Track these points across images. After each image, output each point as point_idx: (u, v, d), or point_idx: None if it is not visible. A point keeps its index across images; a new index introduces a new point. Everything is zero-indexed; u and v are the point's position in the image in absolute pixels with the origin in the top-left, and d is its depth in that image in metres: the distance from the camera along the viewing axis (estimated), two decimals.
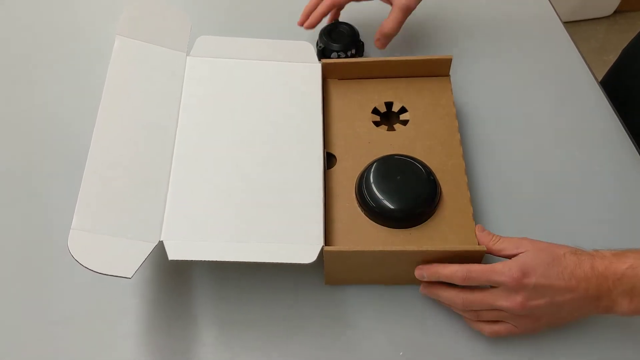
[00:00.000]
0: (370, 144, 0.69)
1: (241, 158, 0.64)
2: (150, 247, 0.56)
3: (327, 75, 0.74)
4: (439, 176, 0.65)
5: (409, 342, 0.61)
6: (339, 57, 0.78)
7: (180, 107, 0.66)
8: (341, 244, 0.61)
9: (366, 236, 0.62)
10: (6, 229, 0.70)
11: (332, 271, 0.62)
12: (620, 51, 0.94)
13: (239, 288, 0.64)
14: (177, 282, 0.65)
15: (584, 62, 0.83)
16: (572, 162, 0.73)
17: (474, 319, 0.59)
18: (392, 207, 0.62)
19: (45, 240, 0.68)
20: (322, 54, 0.79)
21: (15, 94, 0.82)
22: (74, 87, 0.82)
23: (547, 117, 0.77)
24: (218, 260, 0.56)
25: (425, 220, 0.63)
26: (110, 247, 0.55)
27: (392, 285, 0.64)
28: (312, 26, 0.78)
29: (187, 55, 0.71)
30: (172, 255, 0.56)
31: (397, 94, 0.72)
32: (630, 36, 0.94)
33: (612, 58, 0.96)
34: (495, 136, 0.76)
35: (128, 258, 0.54)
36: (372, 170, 0.64)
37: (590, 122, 0.77)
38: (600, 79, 0.91)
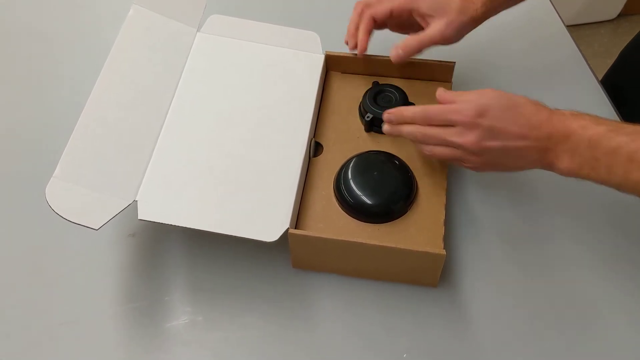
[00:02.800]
0: (359, 139, 0.70)
1: (228, 135, 0.66)
2: (123, 204, 0.59)
3: (330, 68, 0.75)
4: (421, 179, 0.66)
5: (368, 334, 0.62)
6: None
7: (180, 79, 0.69)
8: (309, 230, 0.63)
9: (336, 226, 0.63)
10: (11, 228, 0.72)
11: (297, 254, 0.64)
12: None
13: (213, 260, 0.67)
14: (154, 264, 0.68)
15: (587, 65, 0.83)
16: None
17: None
18: (364, 200, 0.63)
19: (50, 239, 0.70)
20: (371, 123, 0.69)
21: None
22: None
23: None
24: (184, 226, 0.58)
25: (396, 218, 0.64)
26: (86, 200, 0.58)
27: (356, 279, 0.66)
28: (364, 51, 0.69)
29: (197, 32, 0.73)
30: (141, 215, 0.59)
31: None
32: None
33: None
34: None
35: (100, 211, 0.57)
36: (352, 163, 0.66)
37: None
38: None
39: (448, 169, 0.68)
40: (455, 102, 0.57)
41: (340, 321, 0.63)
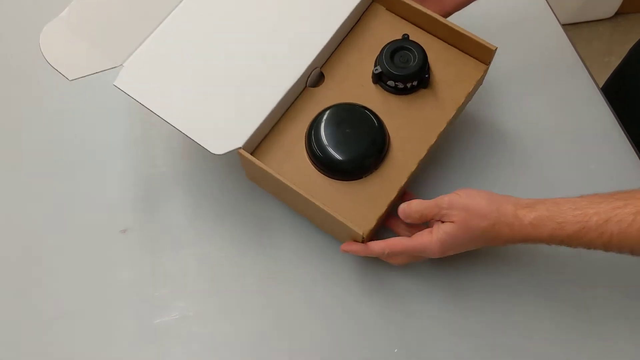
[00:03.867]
0: (363, 87, 0.67)
1: (234, 38, 0.66)
2: (107, 65, 0.62)
3: (377, 0, 0.71)
4: (402, 144, 0.64)
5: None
6: (395, 87, 0.66)
7: None
8: (265, 156, 0.64)
9: (292, 164, 0.64)
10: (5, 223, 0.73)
11: (249, 171, 0.66)
12: (621, 53, 0.92)
13: (205, 258, 0.70)
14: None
15: (584, 67, 0.80)
16: (571, 166, 0.73)
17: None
18: (326, 153, 0.62)
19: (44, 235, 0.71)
20: (378, 77, 0.67)
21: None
22: None
23: (546, 122, 0.76)
24: (147, 107, 0.61)
25: (356, 179, 0.63)
26: (74, 50, 0.62)
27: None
28: None
29: None
30: (117, 83, 0.62)
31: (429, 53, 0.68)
32: (632, 37, 0.90)
33: (613, 60, 0.96)
34: (492, 138, 0.73)
35: (81, 65, 0.61)
36: (328, 114, 0.64)
37: (589, 127, 0.76)
38: (603, 82, 0.92)
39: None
40: (422, 245, 0.59)
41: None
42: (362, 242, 0.61)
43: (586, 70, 0.80)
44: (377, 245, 0.61)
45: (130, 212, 0.71)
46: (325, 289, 0.66)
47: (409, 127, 0.65)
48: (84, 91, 0.77)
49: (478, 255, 0.67)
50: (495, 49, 0.65)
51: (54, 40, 0.61)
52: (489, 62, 0.67)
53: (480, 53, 0.67)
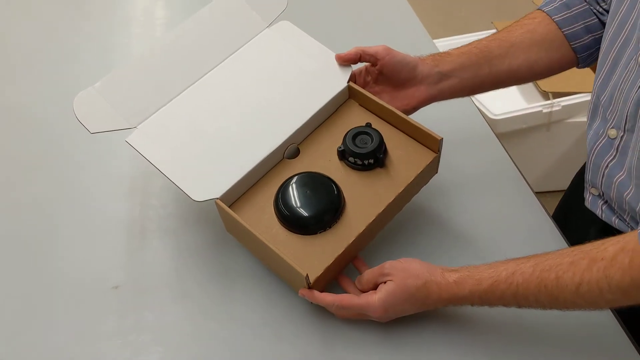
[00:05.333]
0: (330, 162, 0.80)
1: (228, 113, 0.81)
2: (124, 125, 0.78)
3: (351, 96, 0.86)
4: (354, 213, 0.75)
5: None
6: (355, 163, 0.79)
7: (229, 57, 0.85)
8: (239, 210, 0.76)
9: (262, 219, 0.75)
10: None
11: (226, 224, 0.78)
12: None
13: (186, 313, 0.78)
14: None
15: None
16: None
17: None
18: (285, 208, 0.75)
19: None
20: (342, 154, 0.79)
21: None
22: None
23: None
24: (148, 159, 0.76)
25: (312, 234, 0.74)
26: (99, 109, 0.78)
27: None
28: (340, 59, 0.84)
29: (266, 27, 0.88)
30: (129, 139, 0.77)
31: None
32: None
33: None
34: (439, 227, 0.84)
35: (103, 122, 0.77)
36: (296, 179, 0.77)
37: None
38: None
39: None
40: (367, 302, 0.71)
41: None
42: (309, 287, 0.71)
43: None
44: (328, 297, 0.72)
45: (121, 269, 0.81)
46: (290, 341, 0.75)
47: (363, 197, 0.77)
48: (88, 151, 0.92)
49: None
50: (441, 139, 0.78)
51: (85, 102, 0.78)
52: (438, 150, 0.79)
53: (430, 142, 0.79)
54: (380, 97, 0.83)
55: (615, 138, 0.76)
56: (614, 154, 0.76)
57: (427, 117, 0.84)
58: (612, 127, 0.76)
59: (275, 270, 0.78)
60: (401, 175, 0.78)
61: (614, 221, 0.80)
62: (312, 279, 0.70)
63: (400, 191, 0.77)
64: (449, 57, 0.84)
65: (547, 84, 1.76)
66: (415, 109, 0.86)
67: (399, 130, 0.82)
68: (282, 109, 0.82)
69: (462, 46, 0.85)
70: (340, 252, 0.72)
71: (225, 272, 0.81)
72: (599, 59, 0.79)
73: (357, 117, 0.84)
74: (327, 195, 0.76)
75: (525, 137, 1.74)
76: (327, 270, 0.72)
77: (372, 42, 0.85)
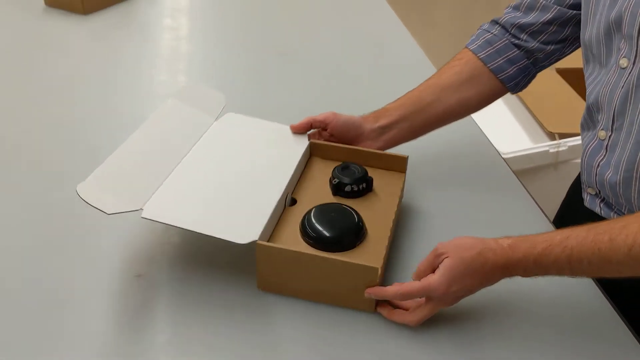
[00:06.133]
0: (327, 199, 0.88)
1: (224, 178, 0.86)
2: (135, 206, 0.76)
3: (313, 153, 0.96)
4: (370, 230, 0.83)
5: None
6: (351, 190, 0.88)
7: (196, 143, 0.91)
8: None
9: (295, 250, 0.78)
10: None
11: (263, 270, 0.78)
12: None
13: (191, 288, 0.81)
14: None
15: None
16: None
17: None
18: (319, 230, 0.80)
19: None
20: (337, 187, 0.88)
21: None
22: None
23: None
24: (174, 225, 0.75)
25: (347, 249, 0.79)
26: (109, 196, 0.76)
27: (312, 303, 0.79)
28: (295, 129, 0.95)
29: (214, 120, 0.97)
30: (146, 215, 0.76)
31: None
32: None
33: None
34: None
35: (114, 205, 0.75)
36: (316, 207, 0.84)
37: None
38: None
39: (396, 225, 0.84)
40: (428, 283, 0.72)
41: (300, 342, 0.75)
42: (377, 280, 0.74)
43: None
44: (392, 288, 0.73)
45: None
46: None
47: (370, 218, 0.85)
48: None
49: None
50: (407, 157, 0.92)
51: (89, 190, 0.76)
52: (405, 170, 0.93)
53: (398, 163, 0.93)
54: None
55: (604, 139, 0.83)
56: (604, 153, 0.83)
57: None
58: (602, 129, 0.83)
59: (328, 294, 0.78)
60: (389, 194, 0.90)
61: (613, 217, 0.86)
62: (379, 266, 0.74)
63: (397, 204, 0.87)
64: (387, 112, 0.95)
65: (553, 125, 1.80)
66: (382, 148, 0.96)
67: (368, 165, 0.94)
68: (266, 169, 0.89)
69: (398, 99, 0.97)
70: (383, 254, 0.78)
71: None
72: (586, 67, 0.87)
73: (325, 166, 0.95)
74: (350, 214, 0.83)
75: (533, 175, 1.76)
76: (383, 266, 0.76)
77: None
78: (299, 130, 0.95)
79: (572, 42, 0.93)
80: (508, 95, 1.02)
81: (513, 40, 0.94)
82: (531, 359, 0.73)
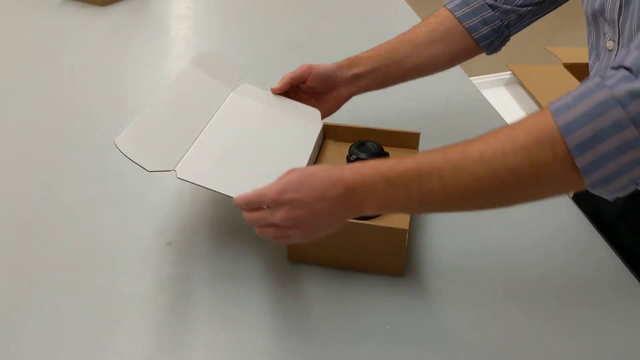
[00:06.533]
0: None
1: (249, 145, 0.88)
2: (168, 167, 0.78)
3: (326, 136, 0.99)
4: None
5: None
6: None
7: (218, 111, 0.92)
8: None
9: None
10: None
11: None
12: None
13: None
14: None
15: None
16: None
17: (260, 236, 0.71)
18: None
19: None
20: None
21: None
22: None
23: None
24: (209, 188, 0.77)
25: (373, 217, 0.81)
26: (143, 157, 0.78)
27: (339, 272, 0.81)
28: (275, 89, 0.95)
29: (230, 92, 0.98)
30: (180, 174, 0.77)
31: None
32: None
33: None
34: None
35: (155, 162, 0.77)
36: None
37: None
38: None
39: None
40: (263, 188, 0.68)
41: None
42: (405, 243, 0.76)
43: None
44: (238, 197, 0.70)
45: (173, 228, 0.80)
46: None
47: None
48: None
49: None
50: (419, 133, 0.95)
51: (127, 144, 0.78)
52: (417, 146, 0.96)
53: (410, 140, 0.96)
54: (311, 104, 0.96)
55: None
56: None
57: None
58: None
59: (357, 261, 0.80)
60: None
61: None
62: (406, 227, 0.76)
63: None
64: (361, 60, 0.97)
65: None
66: (339, 106, 0.98)
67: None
68: (287, 142, 0.91)
69: (372, 49, 0.99)
70: (407, 218, 0.80)
71: None
72: (589, 54, 0.86)
73: (339, 147, 0.97)
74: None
75: None
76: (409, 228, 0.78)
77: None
78: (281, 91, 0.96)
79: (547, 5, 0.95)
80: (518, 90, 1.05)
81: (489, 1, 0.97)
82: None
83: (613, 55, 0.79)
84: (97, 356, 0.69)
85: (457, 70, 1.31)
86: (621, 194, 0.59)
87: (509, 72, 2.02)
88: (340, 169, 0.66)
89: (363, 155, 0.90)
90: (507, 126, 0.60)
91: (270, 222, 0.67)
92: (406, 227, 0.76)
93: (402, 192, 0.63)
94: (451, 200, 0.62)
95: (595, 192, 0.59)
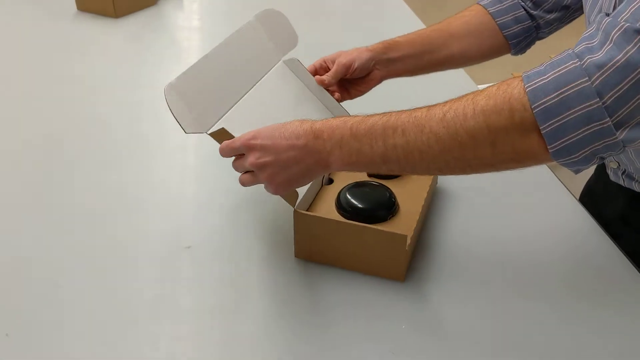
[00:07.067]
0: (362, 178, 0.93)
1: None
2: (204, 129, 0.79)
3: None
4: (402, 204, 0.87)
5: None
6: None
7: (263, 78, 0.93)
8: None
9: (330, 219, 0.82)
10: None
11: (300, 239, 0.83)
12: None
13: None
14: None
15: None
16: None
17: (241, 184, 0.76)
18: (353, 203, 0.84)
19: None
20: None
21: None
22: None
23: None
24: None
25: (379, 222, 0.83)
26: (185, 114, 0.78)
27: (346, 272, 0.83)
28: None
29: (281, 60, 0.98)
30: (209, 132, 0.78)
31: None
32: None
33: None
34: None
35: (191, 127, 0.77)
36: (351, 184, 0.89)
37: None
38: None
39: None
40: (238, 137, 0.72)
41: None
42: (407, 249, 0.78)
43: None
44: (222, 144, 0.75)
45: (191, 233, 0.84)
46: None
47: (404, 194, 0.89)
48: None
49: None
50: None
51: (173, 97, 0.77)
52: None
53: None
54: (344, 85, 0.98)
55: None
56: None
57: None
58: None
59: (360, 262, 0.82)
60: (423, 176, 0.93)
61: (635, 186, 0.88)
62: (409, 234, 0.78)
63: (430, 185, 0.92)
64: (398, 45, 0.98)
65: None
66: (371, 89, 1.00)
67: None
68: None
69: (408, 34, 1.00)
70: (414, 225, 0.82)
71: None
72: None
73: None
74: (382, 190, 0.88)
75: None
76: (412, 239, 0.81)
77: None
78: (325, 86, 0.96)
79: (573, 11, 0.97)
80: None
81: (520, 1, 0.99)
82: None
83: None
84: (118, 357, 0.72)
85: (463, 77, 1.34)
86: (585, 167, 0.61)
87: None
88: (312, 122, 0.68)
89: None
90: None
91: (243, 167, 0.73)
92: (409, 232, 0.79)
93: (367, 146, 0.65)
94: (412, 158, 0.63)
95: (560, 162, 0.60)
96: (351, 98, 1.00)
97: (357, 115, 0.68)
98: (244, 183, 0.76)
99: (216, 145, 0.78)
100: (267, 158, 0.70)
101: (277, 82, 0.95)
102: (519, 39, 1.01)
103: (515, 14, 0.99)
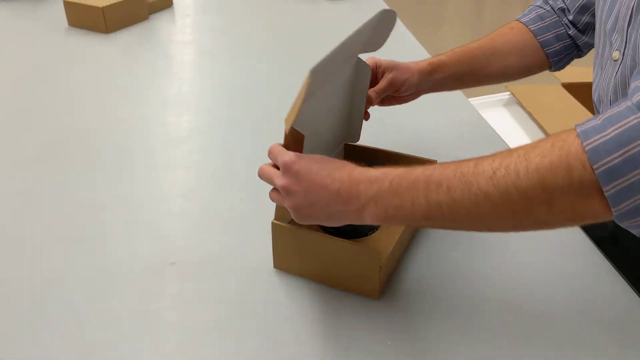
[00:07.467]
0: None
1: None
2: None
3: (346, 155, 1.00)
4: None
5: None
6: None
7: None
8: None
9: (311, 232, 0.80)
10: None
11: (278, 250, 0.82)
12: None
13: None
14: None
15: None
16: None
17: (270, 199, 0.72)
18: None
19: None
20: None
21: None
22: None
23: None
24: None
25: (358, 237, 0.83)
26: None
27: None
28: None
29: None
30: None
31: None
32: None
33: None
34: None
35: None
36: None
37: None
38: None
39: None
40: (281, 145, 0.69)
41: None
42: (380, 271, 0.76)
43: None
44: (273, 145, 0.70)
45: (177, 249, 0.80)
46: None
47: None
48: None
49: None
50: (436, 162, 0.94)
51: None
52: None
53: None
54: (386, 96, 0.96)
55: None
56: None
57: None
58: None
59: (336, 277, 0.80)
60: None
61: None
62: (382, 259, 0.76)
63: None
64: (444, 66, 0.97)
65: None
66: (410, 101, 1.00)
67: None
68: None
69: (455, 51, 0.99)
70: (393, 243, 0.80)
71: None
72: (593, 67, 0.87)
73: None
74: None
75: None
76: (389, 257, 0.78)
77: None
78: (376, 100, 0.93)
79: None
80: (517, 110, 1.06)
81: (561, 19, 0.99)
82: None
83: (618, 66, 0.79)
84: None
85: (456, 93, 1.34)
86: None
87: (508, 93, 2.04)
88: (352, 167, 0.65)
89: None
90: (524, 146, 0.58)
91: (274, 183, 0.68)
92: (387, 250, 0.77)
93: (408, 203, 0.60)
94: (458, 216, 0.59)
95: (623, 224, 0.55)
96: (381, 105, 0.99)
97: (399, 168, 0.63)
98: (271, 199, 0.72)
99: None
100: (297, 187, 0.66)
101: (343, 71, 0.87)
102: (560, 56, 1.00)
103: (557, 31, 0.99)
